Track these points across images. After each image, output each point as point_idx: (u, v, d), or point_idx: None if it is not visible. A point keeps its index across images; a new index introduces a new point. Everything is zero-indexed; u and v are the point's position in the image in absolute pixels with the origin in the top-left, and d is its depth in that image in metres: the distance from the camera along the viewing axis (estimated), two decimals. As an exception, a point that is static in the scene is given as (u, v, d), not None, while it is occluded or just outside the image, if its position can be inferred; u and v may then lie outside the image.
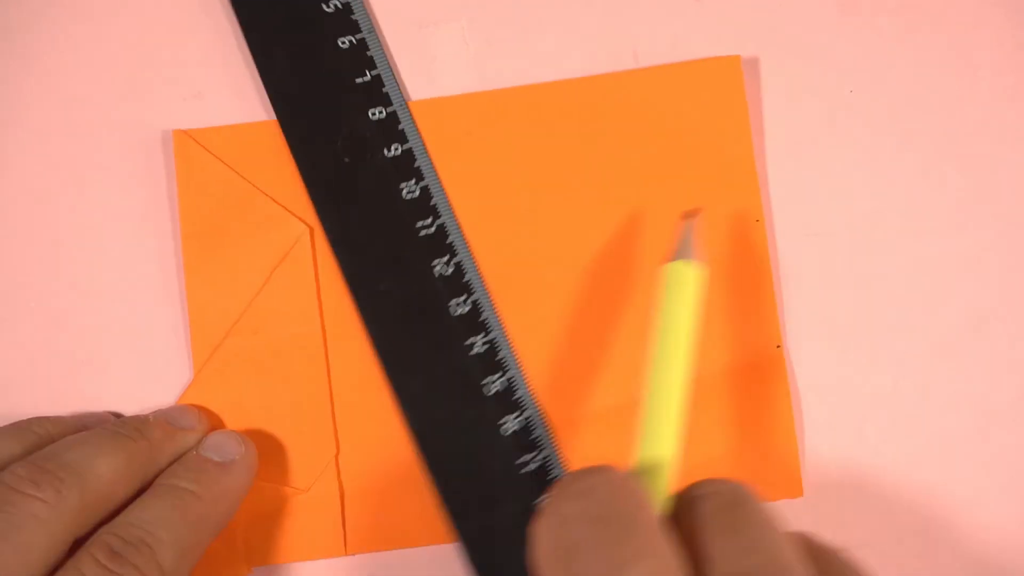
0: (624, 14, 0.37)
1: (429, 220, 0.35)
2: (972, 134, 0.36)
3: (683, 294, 0.28)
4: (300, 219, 0.36)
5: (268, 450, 0.35)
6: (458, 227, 0.36)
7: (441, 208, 0.35)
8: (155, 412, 0.35)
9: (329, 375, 0.35)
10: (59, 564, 0.30)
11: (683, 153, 0.36)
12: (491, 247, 0.36)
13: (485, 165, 0.36)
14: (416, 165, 0.36)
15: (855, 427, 0.35)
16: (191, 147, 0.36)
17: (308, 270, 0.36)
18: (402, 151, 0.36)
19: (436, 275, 0.35)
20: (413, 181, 0.36)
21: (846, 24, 0.36)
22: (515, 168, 0.36)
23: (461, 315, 0.35)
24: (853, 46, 0.36)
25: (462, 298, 0.35)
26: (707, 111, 0.36)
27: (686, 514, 0.25)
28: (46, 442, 0.33)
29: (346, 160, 0.35)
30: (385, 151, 0.36)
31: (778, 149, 0.36)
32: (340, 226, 0.35)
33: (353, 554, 0.35)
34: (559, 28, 0.37)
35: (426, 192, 0.36)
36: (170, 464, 0.33)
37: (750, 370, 0.35)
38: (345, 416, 0.35)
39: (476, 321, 0.35)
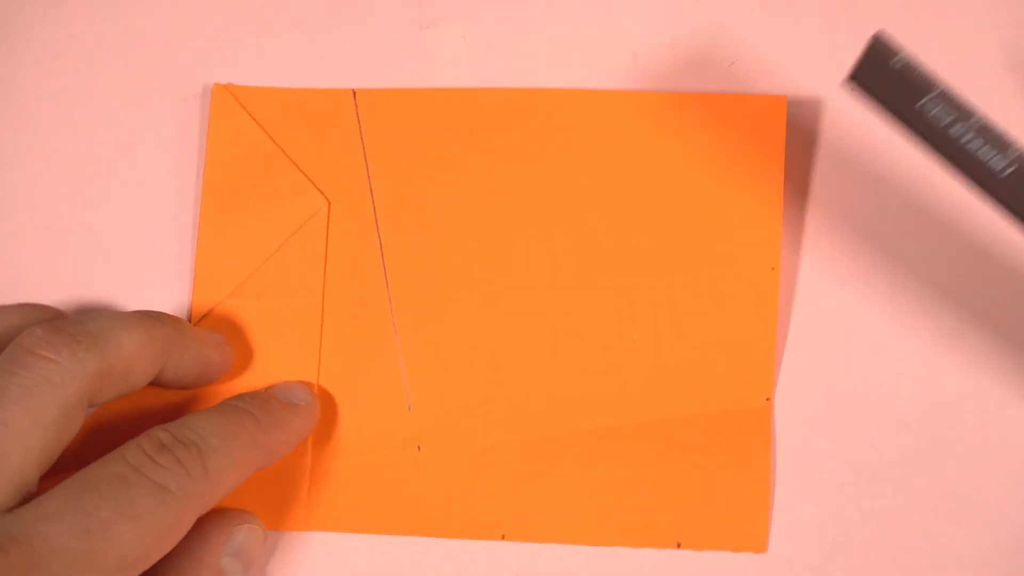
0: (623, 14, 0.37)
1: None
2: None
3: None
4: (322, 192, 0.36)
5: None
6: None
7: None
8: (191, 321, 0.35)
9: (320, 351, 0.36)
10: (73, 430, 0.29)
11: (709, 186, 0.35)
12: (493, 247, 0.36)
13: (497, 166, 0.36)
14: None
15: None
16: (228, 102, 0.36)
17: (320, 244, 0.36)
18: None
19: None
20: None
21: (845, 22, 0.36)
22: (521, 174, 0.36)
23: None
24: (853, 44, 0.36)
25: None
26: (742, 148, 0.35)
27: None
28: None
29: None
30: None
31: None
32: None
33: (314, 530, 0.35)
34: (559, 28, 0.37)
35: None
36: (194, 365, 0.33)
37: (733, 417, 0.35)
38: (328, 392, 0.35)
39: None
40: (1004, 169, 0.28)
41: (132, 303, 0.36)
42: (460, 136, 0.36)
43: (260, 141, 0.36)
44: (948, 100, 0.29)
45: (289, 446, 0.33)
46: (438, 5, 0.37)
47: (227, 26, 0.37)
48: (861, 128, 0.36)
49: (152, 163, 0.37)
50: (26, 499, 0.28)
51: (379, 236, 0.36)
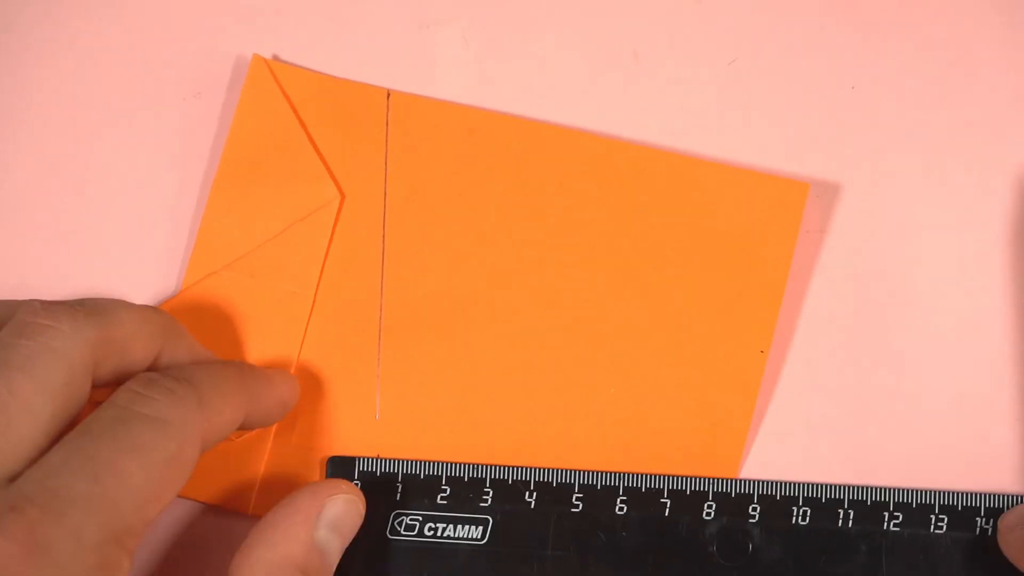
0: (623, 14, 0.37)
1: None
2: (973, 133, 0.36)
3: None
4: (337, 185, 0.36)
5: None
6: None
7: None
8: None
9: (303, 342, 0.35)
10: (81, 398, 0.29)
11: (711, 258, 0.35)
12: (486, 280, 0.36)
13: (512, 198, 0.36)
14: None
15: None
16: (264, 75, 0.36)
17: (324, 236, 0.36)
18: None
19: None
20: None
21: (843, 21, 0.36)
22: (534, 210, 0.36)
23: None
24: (853, 43, 0.36)
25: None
26: (755, 227, 0.35)
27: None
28: None
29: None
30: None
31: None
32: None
33: (257, 515, 0.34)
34: (559, 28, 0.37)
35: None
36: (188, 356, 0.33)
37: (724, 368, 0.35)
38: (303, 384, 0.35)
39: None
40: None
41: (133, 299, 0.36)
42: (482, 160, 0.36)
43: (287, 120, 0.36)
44: None
45: (274, 406, 0.33)
46: (438, 5, 0.37)
47: (226, 26, 0.37)
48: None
49: (152, 163, 0.37)
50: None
51: (383, 241, 0.36)
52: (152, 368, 0.32)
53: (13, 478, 0.27)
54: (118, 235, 0.37)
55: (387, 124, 0.36)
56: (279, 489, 0.35)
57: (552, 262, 0.36)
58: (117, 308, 0.31)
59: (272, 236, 0.36)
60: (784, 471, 0.35)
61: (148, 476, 0.28)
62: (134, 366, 0.31)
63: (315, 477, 0.35)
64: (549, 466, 0.35)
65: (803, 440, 0.35)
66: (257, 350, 0.35)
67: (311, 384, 0.35)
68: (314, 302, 0.36)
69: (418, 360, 0.35)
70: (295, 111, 0.36)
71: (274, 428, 0.35)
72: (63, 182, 0.37)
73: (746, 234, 0.35)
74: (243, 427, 0.32)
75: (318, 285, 0.36)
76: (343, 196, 0.36)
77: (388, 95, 0.36)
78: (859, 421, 0.35)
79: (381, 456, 0.35)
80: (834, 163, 0.36)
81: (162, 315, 0.32)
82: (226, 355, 0.35)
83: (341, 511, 0.33)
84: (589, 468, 0.35)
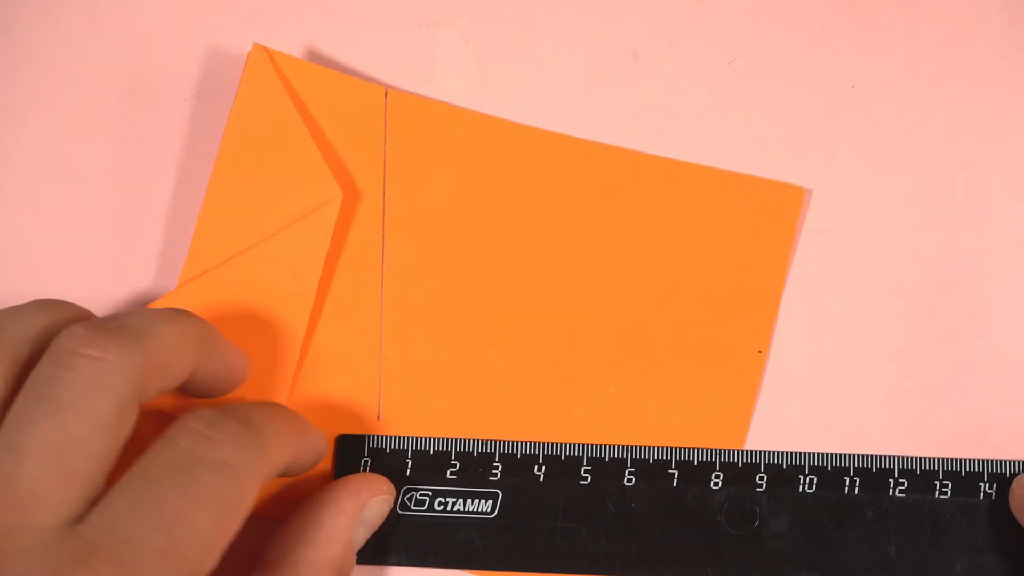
0: (624, 14, 0.37)
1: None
2: (973, 133, 0.36)
3: None
4: (339, 184, 0.35)
5: None
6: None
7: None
8: None
9: (308, 343, 0.35)
10: (130, 428, 0.28)
11: (708, 263, 0.35)
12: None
13: (512, 202, 0.36)
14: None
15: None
16: (265, 66, 0.35)
17: (326, 236, 0.35)
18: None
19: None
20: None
21: (843, 21, 0.36)
22: (533, 215, 0.36)
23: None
24: (853, 43, 0.36)
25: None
26: (750, 231, 0.35)
27: None
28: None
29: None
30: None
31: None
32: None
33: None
34: (559, 28, 0.37)
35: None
36: (222, 365, 0.32)
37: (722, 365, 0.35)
38: (305, 385, 0.35)
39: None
40: None
41: (131, 302, 0.36)
42: (481, 163, 0.36)
43: (287, 115, 0.35)
44: None
45: (312, 456, 0.33)
46: (438, 4, 0.37)
47: (227, 26, 0.37)
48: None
49: (152, 163, 0.37)
50: (95, 503, 0.27)
51: (383, 241, 0.36)
52: (191, 380, 0.31)
53: (76, 520, 0.26)
54: (118, 235, 0.37)
55: (385, 122, 0.36)
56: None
57: (551, 264, 0.36)
58: (156, 325, 0.29)
59: (272, 233, 0.35)
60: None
61: (215, 524, 0.27)
62: (175, 381, 0.30)
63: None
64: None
65: (804, 443, 0.35)
66: (257, 350, 0.35)
67: (313, 384, 0.35)
68: (317, 303, 0.35)
69: (421, 360, 0.36)
70: (296, 103, 0.35)
71: None
72: (62, 182, 0.37)
73: (743, 238, 0.35)
74: (282, 473, 0.32)
75: (321, 287, 0.35)
76: (344, 195, 0.35)
77: (386, 93, 0.36)
78: (860, 416, 0.35)
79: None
80: (833, 162, 0.36)
81: (197, 323, 0.31)
82: None
83: (380, 512, 0.33)
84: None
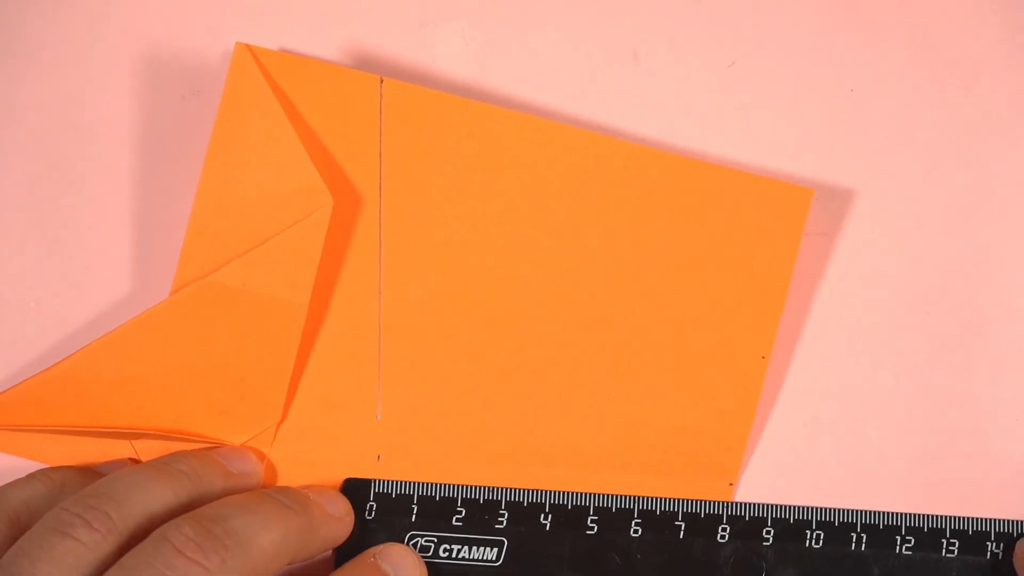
0: (623, 14, 0.37)
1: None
2: (973, 134, 0.36)
3: None
4: (333, 181, 0.34)
5: (212, 394, 0.34)
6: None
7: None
8: (312, 489, 0.34)
9: (308, 353, 0.35)
10: None
11: (713, 262, 0.35)
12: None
13: (512, 193, 0.35)
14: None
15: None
16: (249, 65, 0.34)
17: (317, 243, 0.34)
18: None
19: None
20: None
21: (843, 23, 0.36)
22: (534, 206, 0.35)
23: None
24: (852, 45, 0.36)
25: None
26: (758, 232, 0.35)
27: None
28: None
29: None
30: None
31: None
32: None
33: None
34: (559, 28, 0.37)
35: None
36: (319, 550, 0.33)
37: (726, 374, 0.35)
38: (304, 392, 0.35)
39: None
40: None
41: (132, 301, 0.36)
42: (482, 154, 0.35)
43: (274, 116, 0.34)
44: None
45: (320, 550, 0.34)
46: (438, 4, 0.37)
47: (224, 23, 0.37)
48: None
49: (150, 161, 0.37)
50: None
51: (380, 239, 0.35)
52: None
53: None
54: (118, 235, 0.37)
55: (381, 112, 0.35)
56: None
57: (552, 263, 0.35)
58: (260, 536, 0.31)
59: (263, 240, 0.34)
60: (787, 475, 0.35)
61: None
62: None
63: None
64: (548, 464, 0.35)
65: (805, 444, 0.35)
66: (251, 358, 0.34)
67: (312, 387, 0.35)
68: (313, 312, 0.35)
69: (420, 360, 0.35)
70: (284, 103, 0.34)
71: (276, 431, 0.35)
72: (61, 181, 0.37)
73: (749, 239, 0.35)
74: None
75: (314, 295, 0.34)
76: (335, 197, 0.34)
77: (381, 82, 0.35)
78: (863, 426, 0.35)
79: (382, 457, 0.35)
80: (833, 165, 0.36)
81: (298, 523, 0.32)
82: (216, 363, 0.34)
83: None
84: (589, 466, 0.35)
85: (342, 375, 0.35)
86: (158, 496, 0.31)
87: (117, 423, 0.34)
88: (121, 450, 0.35)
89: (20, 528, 0.31)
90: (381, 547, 0.34)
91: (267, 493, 0.32)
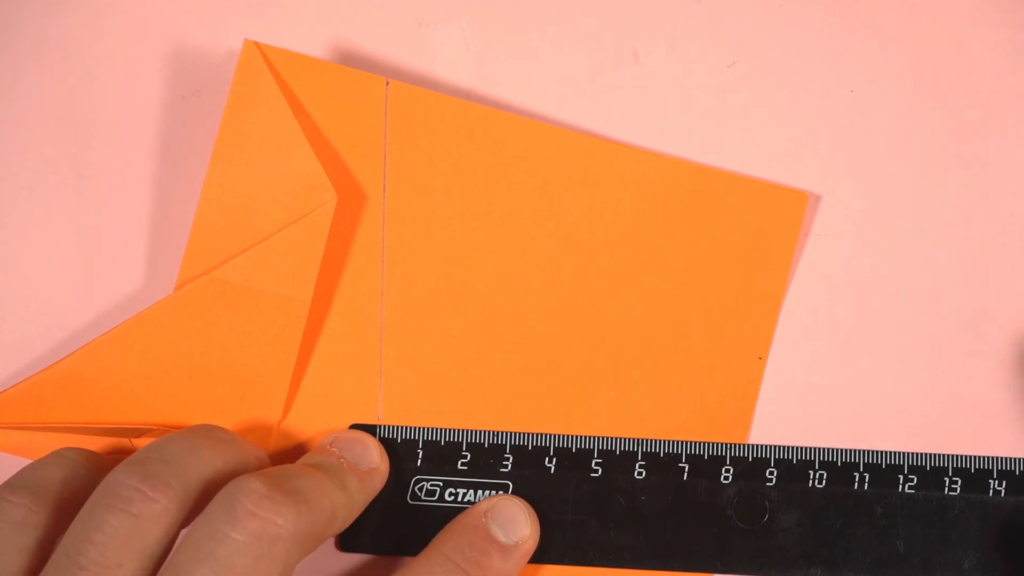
0: (624, 14, 0.37)
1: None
2: (972, 136, 0.36)
3: None
4: (338, 180, 0.35)
5: (213, 392, 0.34)
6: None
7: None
8: (337, 444, 0.34)
9: (310, 351, 0.35)
10: None
11: (709, 265, 0.35)
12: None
13: (515, 197, 0.36)
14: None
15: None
16: (256, 62, 0.35)
17: (321, 239, 0.34)
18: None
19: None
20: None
21: (843, 24, 0.36)
22: (537, 210, 0.35)
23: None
24: (852, 46, 0.36)
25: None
26: (754, 235, 0.35)
27: None
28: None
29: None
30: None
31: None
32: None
33: None
34: (559, 28, 0.37)
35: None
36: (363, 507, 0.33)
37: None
38: (305, 391, 0.35)
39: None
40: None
41: (133, 300, 0.36)
42: (484, 156, 0.36)
43: (281, 111, 0.34)
44: None
45: (348, 513, 0.33)
46: (438, 4, 0.37)
47: (224, 23, 0.37)
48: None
49: (150, 161, 0.37)
50: None
51: (383, 239, 0.36)
52: None
53: None
54: (117, 234, 0.37)
55: (386, 114, 0.36)
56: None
57: (552, 263, 0.35)
58: (329, 498, 0.30)
59: (267, 235, 0.34)
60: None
61: None
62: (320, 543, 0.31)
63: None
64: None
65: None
66: (253, 356, 0.34)
67: (313, 386, 0.35)
68: (317, 308, 0.35)
69: (421, 360, 0.35)
70: (291, 101, 0.35)
71: (275, 430, 0.35)
72: (61, 181, 0.37)
73: (745, 241, 0.35)
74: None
75: (317, 291, 0.34)
76: (339, 194, 0.34)
77: (387, 84, 0.35)
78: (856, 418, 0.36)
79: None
80: (833, 166, 0.36)
81: (351, 491, 0.32)
82: (218, 358, 0.34)
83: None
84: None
85: (343, 374, 0.35)
86: (209, 461, 0.30)
87: (119, 420, 0.34)
88: (122, 448, 0.35)
89: (65, 509, 0.30)
90: (493, 501, 0.34)
91: (320, 460, 0.33)
